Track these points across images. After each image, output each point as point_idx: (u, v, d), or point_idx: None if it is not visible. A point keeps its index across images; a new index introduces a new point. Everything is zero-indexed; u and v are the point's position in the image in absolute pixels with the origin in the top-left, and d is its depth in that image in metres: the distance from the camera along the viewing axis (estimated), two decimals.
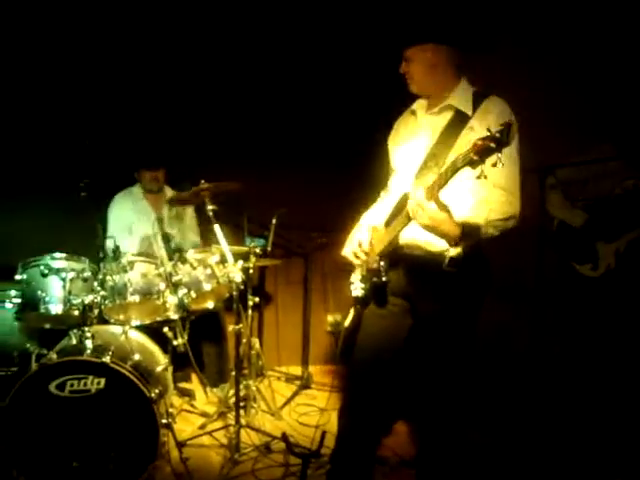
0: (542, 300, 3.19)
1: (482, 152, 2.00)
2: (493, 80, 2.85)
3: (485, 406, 3.51)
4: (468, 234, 2.28)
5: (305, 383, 4.30)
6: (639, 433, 3.16)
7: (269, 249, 4.09)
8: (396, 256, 2.54)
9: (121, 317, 3.30)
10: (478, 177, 2.05)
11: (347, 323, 2.74)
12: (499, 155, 1.97)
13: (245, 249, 3.77)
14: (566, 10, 3.81)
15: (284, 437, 3.11)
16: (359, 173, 4.11)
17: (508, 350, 3.89)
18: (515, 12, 3.95)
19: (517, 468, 3.08)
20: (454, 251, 2.34)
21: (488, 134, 1.98)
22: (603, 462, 3.05)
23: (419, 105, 2.62)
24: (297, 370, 4.53)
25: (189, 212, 4.29)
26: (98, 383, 2.81)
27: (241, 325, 3.35)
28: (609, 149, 3.43)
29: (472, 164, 2.04)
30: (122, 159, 4.15)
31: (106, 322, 3.27)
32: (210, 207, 3.31)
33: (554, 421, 3.37)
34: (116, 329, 3.24)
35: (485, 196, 2.36)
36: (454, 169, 2.11)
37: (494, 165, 2.00)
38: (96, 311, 3.12)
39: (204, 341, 4.02)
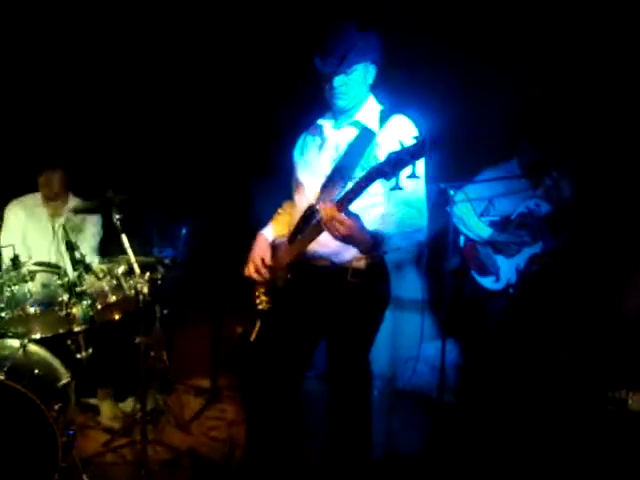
0: (447, 313, 3.29)
1: (396, 164, 2.05)
2: (401, 95, 2.90)
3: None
4: (379, 244, 2.34)
5: (214, 396, 4.23)
6: (537, 435, 3.30)
7: (179, 260, 4.01)
8: (302, 268, 2.56)
9: (19, 330, 3.12)
10: (392, 189, 2.11)
11: (253, 336, 2.72)
12: (412, 167, 2.04)
13: (153, 260, 3.68)
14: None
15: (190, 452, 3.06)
16: (267, 185, 4.10)
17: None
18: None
19: None
20: (358, 263, 2.40)
21: (401, 147, 2.04)
22: (504, 463, 3.16)
23: (325, 120, 2.64)
24: (206, 383, 4.45)
25: (89, 226, 4.09)
26: None
27: (148, 337, 3.27)
28: (515, 168, 3.61)
29: (386, 176, 2.10)
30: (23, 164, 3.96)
31: (2, 335, 3.10)
32: (117, 216, 3.22)
33: (453, 425, 3.48)
34: (13, 343, 3.06)
35: (394, 210, 2.45)
36: (368, 181, 2.16)
37: (409, 177, 2.06)
38: None
39: (109, 354, 3.88)
